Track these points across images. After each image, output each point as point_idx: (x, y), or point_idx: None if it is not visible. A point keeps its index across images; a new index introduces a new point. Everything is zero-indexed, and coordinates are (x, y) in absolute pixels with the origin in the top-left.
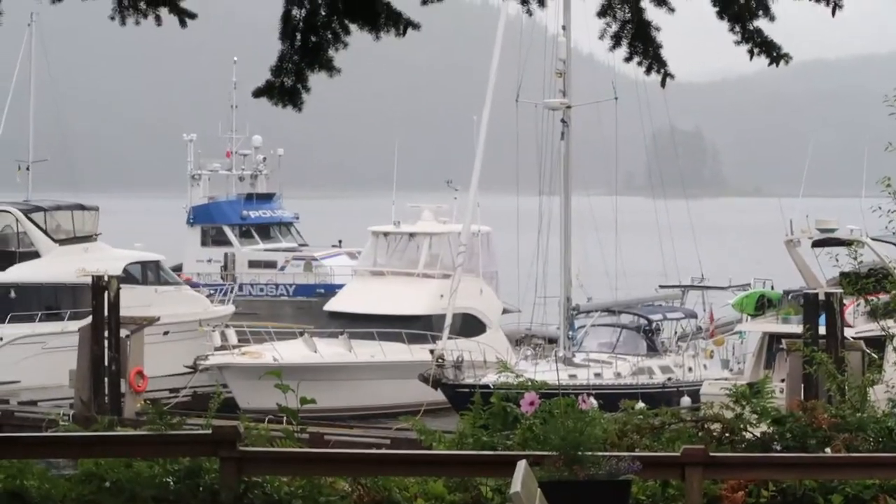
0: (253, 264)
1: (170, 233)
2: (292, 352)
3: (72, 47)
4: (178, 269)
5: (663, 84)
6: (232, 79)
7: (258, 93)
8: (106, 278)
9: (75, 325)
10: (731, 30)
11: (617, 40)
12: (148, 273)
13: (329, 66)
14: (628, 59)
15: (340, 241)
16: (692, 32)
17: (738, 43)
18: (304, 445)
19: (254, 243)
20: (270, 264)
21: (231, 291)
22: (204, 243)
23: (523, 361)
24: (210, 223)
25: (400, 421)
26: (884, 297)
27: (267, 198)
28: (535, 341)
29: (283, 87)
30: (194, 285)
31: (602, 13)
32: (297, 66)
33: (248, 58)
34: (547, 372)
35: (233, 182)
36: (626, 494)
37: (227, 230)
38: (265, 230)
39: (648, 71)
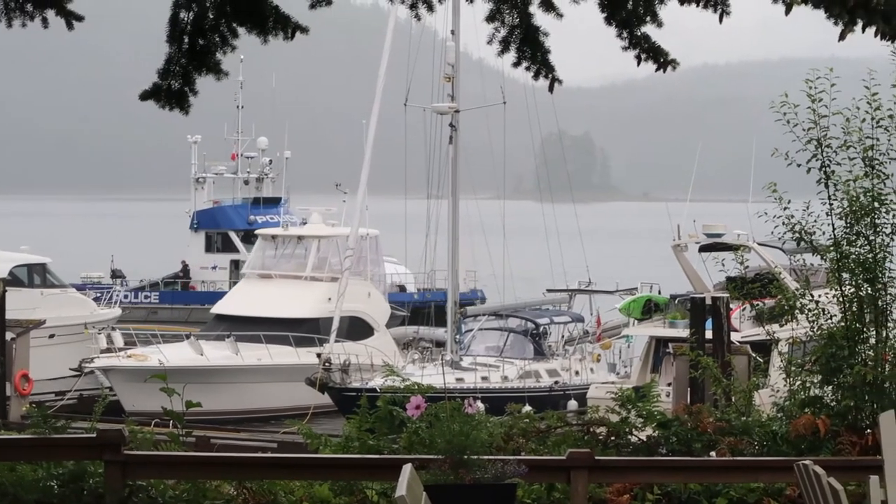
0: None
1: (170, 237)
2: (178, 354)
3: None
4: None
5: (551, 89)
6: (238, 78)
7: (145, 95)
8: None
9: None
10: (619, 35)
11: (505, 45)
12: (34, 276)
13: (217, 70)
14: (516, 64)
15: None
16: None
17: (625, 48)
18: (189, 449)
19: None
20: None
21: (117, 295)
22: (209, 249)
23: (410, 365)
24: (215, 228)
25: (286, 424)
26: (769, 302)
27: (274, 202)
28: (423, 345)
29: (171, 90)
30: (80, 288)
31: (490, 18)
32: (185, 69)
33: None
34: (434, 375)
35: (238, 185)
36: (512, 498)
37: (233, 236)
38: None
39: (536, 76)
